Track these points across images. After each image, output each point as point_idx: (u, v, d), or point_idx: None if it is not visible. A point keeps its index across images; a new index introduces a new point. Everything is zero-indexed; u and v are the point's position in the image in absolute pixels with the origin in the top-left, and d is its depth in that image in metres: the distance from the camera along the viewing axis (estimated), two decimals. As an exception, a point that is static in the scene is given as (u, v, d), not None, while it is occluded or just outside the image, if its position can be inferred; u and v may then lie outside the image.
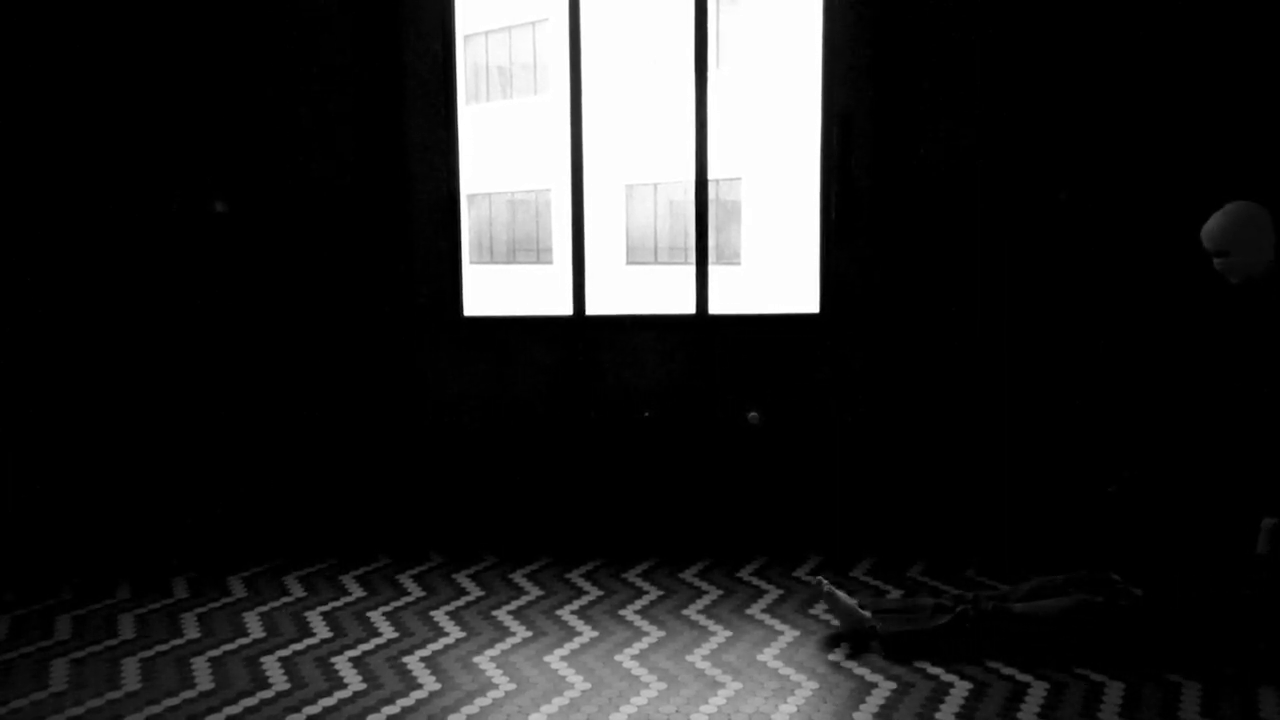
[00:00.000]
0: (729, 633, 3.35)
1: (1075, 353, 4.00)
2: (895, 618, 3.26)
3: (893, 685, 2.95)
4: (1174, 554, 3.24)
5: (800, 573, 3.90)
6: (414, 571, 3.98)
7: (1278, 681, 2.93)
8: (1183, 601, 3.13)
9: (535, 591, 3.76)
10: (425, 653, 3.21)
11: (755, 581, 3.82)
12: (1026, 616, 3.15)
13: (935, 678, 3.00)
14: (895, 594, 3.68)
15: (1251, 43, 3.78)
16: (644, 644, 3.27)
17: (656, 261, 18.21)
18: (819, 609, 3.54)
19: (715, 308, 4.14)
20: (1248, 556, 3.16)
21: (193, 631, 3.39)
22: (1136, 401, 3.62)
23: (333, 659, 3.17)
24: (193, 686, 2.97)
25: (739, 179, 16.85)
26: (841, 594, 3.30)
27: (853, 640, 3.27)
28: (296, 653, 3.22)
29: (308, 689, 2.95)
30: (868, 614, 3.26)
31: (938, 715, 2.76)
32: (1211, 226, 3.29)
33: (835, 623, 3.40)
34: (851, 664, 3.09)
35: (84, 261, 4.12)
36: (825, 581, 3.34)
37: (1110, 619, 3.11)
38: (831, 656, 3.14)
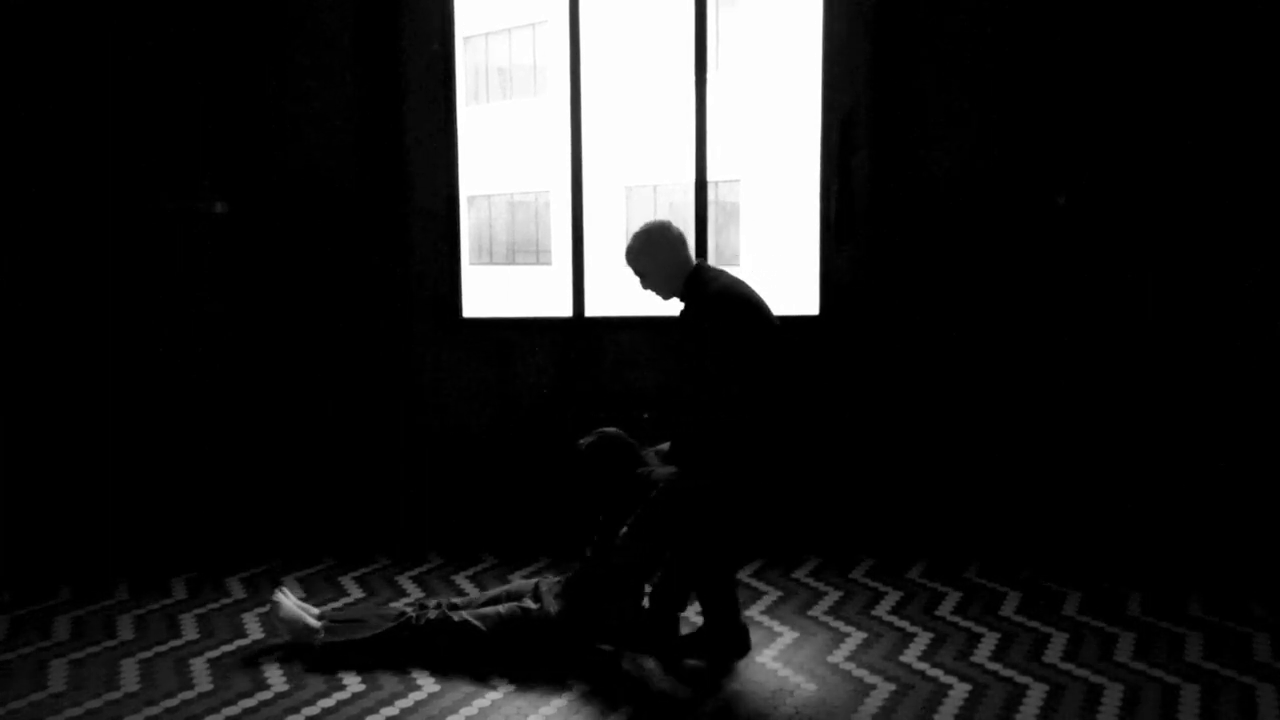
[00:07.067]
0: (728, 634, 3.34)
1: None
2: (345, 627, 3.18)
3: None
4: (597, 564, 3.17)
5: (800, 574, 3.90)
6: (413, 573, 3.97)
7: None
8: (588, 614, 3.13)
9: (534, 593, 3.76)
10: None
11: (754, 583, 3.81)
12: (462, 626, 3.12)
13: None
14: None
15: (1246, 50, 3.79)
16: (643, 645, 3.26)
17: (656, 262, 18.21)
18: (818, 610, 3.53)
19: (715, 309, 4.17)
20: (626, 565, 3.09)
21: (191, 632, 3.38)
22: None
23: (332, 660, 3.16)
24: (191, 688, 2.97)
25: (738, 180, 16.85)
26: (289, 604, 3.21)
27: (298, 651, 3.16)
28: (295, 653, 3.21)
29: (307, 690, 2.95)
30: (317, 625, 3.18)
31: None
32: (625, 252, 3.20)
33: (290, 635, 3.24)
34: (872, 677, 3.09)
35: (82, 262, 4.11)
36: (280, 589, 3.27)
37: (531, 628, 3.12)
38: (831, 658, 3.14)
